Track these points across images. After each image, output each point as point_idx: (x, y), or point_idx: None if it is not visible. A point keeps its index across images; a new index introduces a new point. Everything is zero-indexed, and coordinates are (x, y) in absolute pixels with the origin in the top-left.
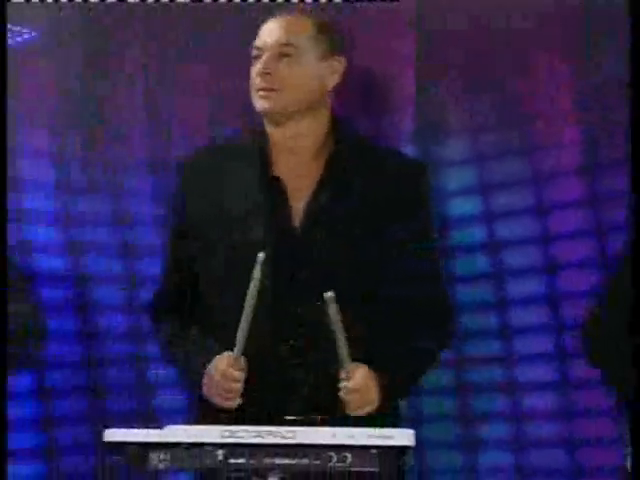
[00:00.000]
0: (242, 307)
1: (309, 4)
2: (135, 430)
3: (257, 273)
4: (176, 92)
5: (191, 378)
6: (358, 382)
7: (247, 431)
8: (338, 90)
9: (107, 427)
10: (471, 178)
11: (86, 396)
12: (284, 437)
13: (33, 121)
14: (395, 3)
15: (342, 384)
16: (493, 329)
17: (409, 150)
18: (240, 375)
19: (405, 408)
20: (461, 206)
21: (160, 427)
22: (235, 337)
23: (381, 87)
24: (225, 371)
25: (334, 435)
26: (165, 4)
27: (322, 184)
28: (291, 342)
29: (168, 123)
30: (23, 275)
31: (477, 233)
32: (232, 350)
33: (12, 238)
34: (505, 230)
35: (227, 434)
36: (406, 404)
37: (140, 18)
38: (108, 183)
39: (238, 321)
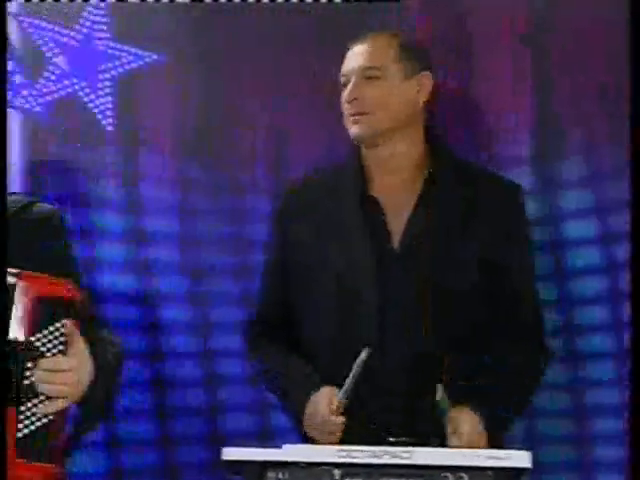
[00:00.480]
0: (343, 335)
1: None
2: (253, 449)
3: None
4: (298, 114)
5: (291, 410)
6: (467, 439)
7: (363, 451)
8: (451, 110)
9: (225, 446)
10: (587, 199)
11: (204, 415)
12: (400, 457)
13: (157, 144)
14: (509, 21)
15: (451, 440)
16: (610, 351)
17: (526, 170)
18: (341, 420)
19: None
20: (576, 228)
21: (278, 446)
22: (331, 363)
23: (496, 106)
24: (326, 418)
25: (450, 456)
26: (287, 27)
27: (421, 202)
28: (396, 369)
29: (289, 145)
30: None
31: (593, 255)
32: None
33: (134, 259)
34: (621, 251)
35: (343, 454)
36: (522, 426)
37: (262, 42)
38: (229, 205)
39: (338, 343)
